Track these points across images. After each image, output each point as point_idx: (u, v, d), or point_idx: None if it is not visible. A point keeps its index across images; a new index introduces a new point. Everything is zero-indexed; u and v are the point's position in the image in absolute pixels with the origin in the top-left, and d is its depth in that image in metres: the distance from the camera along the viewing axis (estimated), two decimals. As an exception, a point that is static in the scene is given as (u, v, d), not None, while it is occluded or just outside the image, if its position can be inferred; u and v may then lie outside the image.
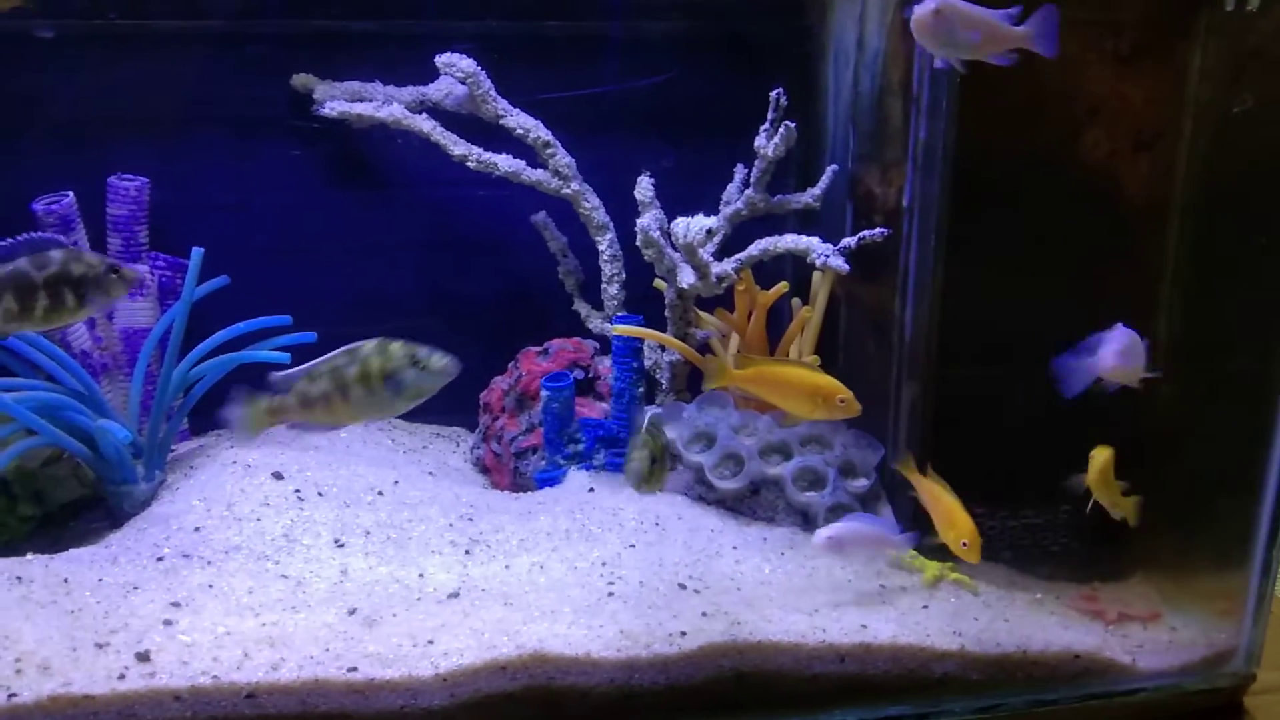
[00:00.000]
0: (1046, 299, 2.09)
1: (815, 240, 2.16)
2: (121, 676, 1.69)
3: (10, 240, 1.68)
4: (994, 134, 2.05)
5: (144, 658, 1.73)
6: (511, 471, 2.55)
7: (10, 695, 1.64)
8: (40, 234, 1.70)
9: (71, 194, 2.45)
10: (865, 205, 2.43)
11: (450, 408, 2.90)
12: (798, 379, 1.93)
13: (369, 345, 1.71)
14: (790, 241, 2.20)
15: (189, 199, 2.62)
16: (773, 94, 2.34)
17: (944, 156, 2.05)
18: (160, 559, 2.00)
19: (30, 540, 2.20)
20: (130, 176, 2.51)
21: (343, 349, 1.72)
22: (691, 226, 2.07)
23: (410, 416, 2.89)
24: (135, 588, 1.92)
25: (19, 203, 2.44)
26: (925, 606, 2.05)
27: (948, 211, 2.06)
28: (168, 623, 1.83)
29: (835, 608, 1.99)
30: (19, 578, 1.90)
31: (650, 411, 2.35)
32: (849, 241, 2.16)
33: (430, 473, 2.51)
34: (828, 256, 2.11)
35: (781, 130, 2.31)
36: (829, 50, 2.65)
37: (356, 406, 1.70)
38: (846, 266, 2.11)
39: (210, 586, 1.94)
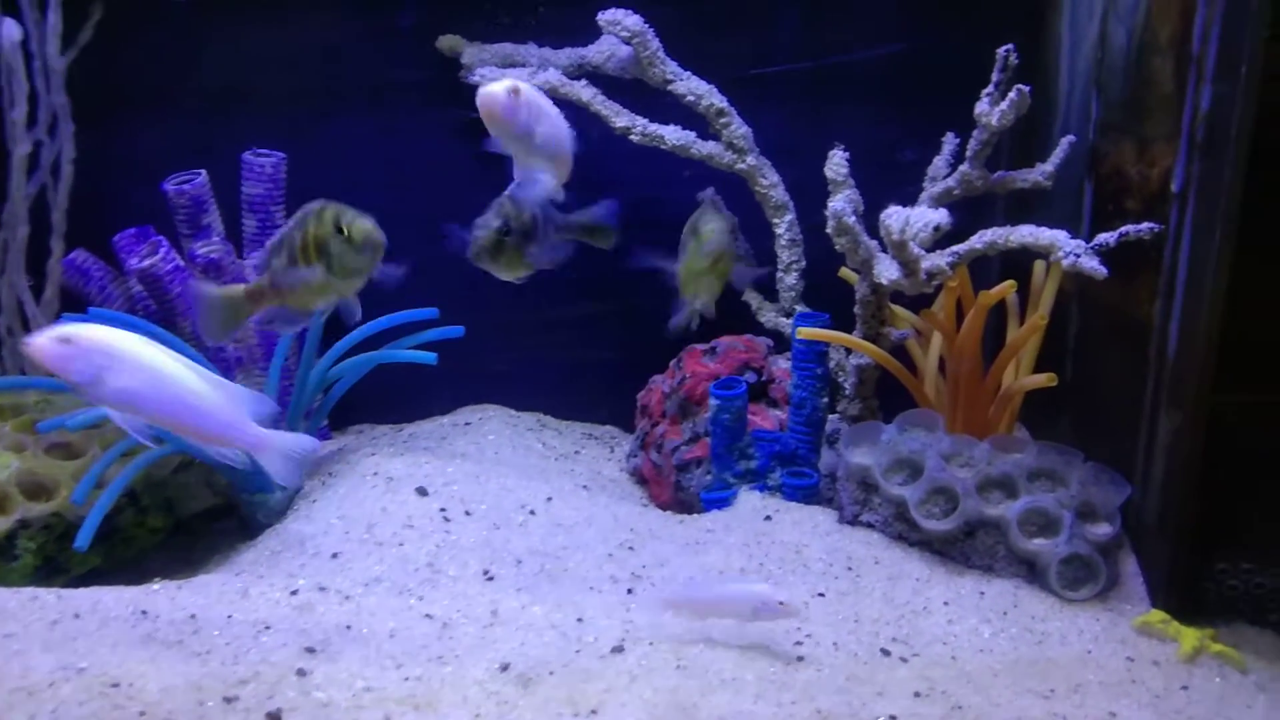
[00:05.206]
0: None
1: (1061, 234, 1.77)
2: (250, 742, 1.49)
3: None
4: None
5: (275, 719, 1.52)
6: (673, 486, 2.26)
7: (131, 759, 1.46)
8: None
9: (204, 173, 2.26)
10: (1112, 187, 2.01)
11: (604, 405, 2.65)
12: None
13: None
14: (1028, 234, 1.81)
15: (328, 176, 2.39)
16: (1001, 51, 1.94)
17: (1237, 132, 1.62)
18: (294, 592, 1.80)
19: (160, 549, 2.06)
20: (266, 152, 2.31)
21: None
22: (914, 221, 1.70)
23: (561, 414, 2.65)
24: (267, 627, 1.72)
25: (150, 180, 2.27)
26: (1185, 688, 1.69)
27: (1238, 200, 1.64)
28: (301, 673, 1.62)
29: (1075, 689, 1.65)
30: (144, 612, 1.73)
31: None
32: (1107, 238, 1.75)
33: (585, 486, 2.25)
34: (1078, 256, 1.71)
35: (1012, 95, 1.91)
36: (1064, -5, 2.22)
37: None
38: (1104, 270, 1.71)
39: (348, 628, 1.73)
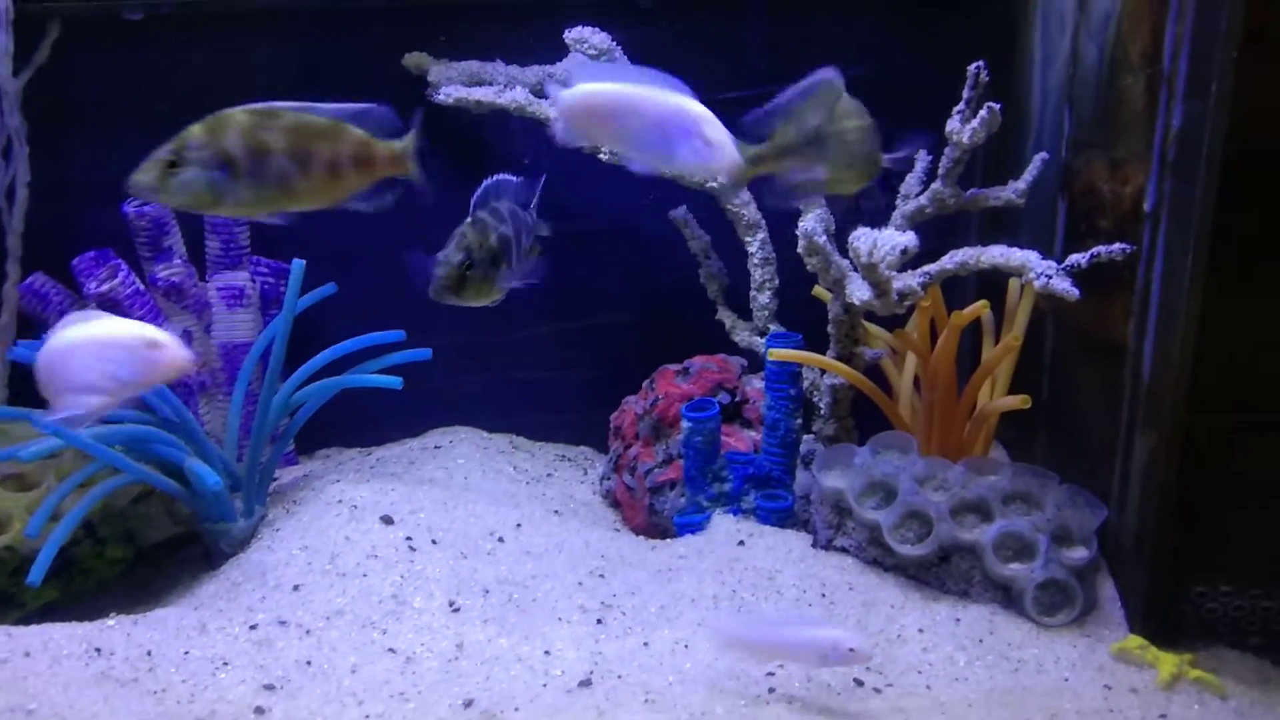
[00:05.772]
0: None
1: (1032, 255, 1.74)
2: (204, 786, 1.45)
3: None
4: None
5: (230, 761, 1.48)
6: (646, 509, 2.22)
7: (79, 806, 1.41)
8: None
9: (165, 194, 2.21)
10: (1085, 205, 1.99)
11: (578, 425, 2.61)
12: None
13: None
14: (999, 255, 1.78)
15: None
16: (971, 68, 1.91)
17: (1208, 151, 1.60)
18: (254, 626, 1.75)
19: (120, 581, 2.00)
20: (229, 172, 2.26)
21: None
22: (881, 243, 1.67)
23: (534, 435, 2.61)
24: (225, 663, 1.68)
25: (110, 202, 2.22)
26: (1163, 716, 1.65)
27: (1211, 219, 1.61)
28: (260, 711, 1.58)
29: (1052, 719, 1.61)
30: (98, 649, 1.68)
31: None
32: (1079, 259, 1.73)
33: (556, 511, 2.20)
34: (1049, 277, 1.69)
35: (983, 113, 1.89)
36: (1036, 11, 2.19)
37: None
38: (1075, 291, 1.69)
39: (309, 664, 1.68)
